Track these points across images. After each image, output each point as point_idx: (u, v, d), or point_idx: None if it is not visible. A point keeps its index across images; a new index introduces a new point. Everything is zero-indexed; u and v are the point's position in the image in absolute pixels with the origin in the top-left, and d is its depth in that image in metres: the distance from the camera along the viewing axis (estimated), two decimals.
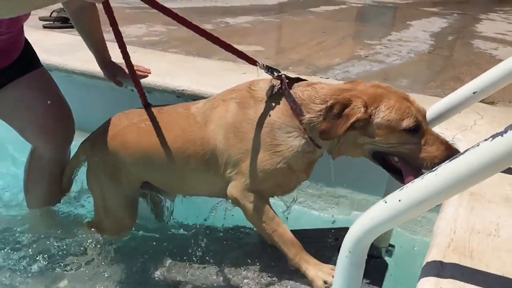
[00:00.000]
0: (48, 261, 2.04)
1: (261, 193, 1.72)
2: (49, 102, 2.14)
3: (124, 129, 1.92)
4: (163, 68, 2.98)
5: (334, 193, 2.66)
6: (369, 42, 4.96)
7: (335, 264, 1.22)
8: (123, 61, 2.32)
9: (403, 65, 4.02)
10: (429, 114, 1.67)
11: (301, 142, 1.63)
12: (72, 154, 2.26)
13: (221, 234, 2.14)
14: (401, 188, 1.05)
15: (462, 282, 1.15)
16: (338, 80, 3.19)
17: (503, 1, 10.03)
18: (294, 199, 2.01)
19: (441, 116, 1.70)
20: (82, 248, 2.07)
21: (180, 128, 1.80)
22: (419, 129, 1.48)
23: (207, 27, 4.99)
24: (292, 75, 1.79)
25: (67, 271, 1.99)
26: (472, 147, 0.93)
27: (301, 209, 2.69)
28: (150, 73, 2.40)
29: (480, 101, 2.15)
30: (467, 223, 1.45)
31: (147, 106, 1.95)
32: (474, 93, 1.68)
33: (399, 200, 1.03)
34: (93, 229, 2.09)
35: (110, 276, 1.97)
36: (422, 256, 1.34)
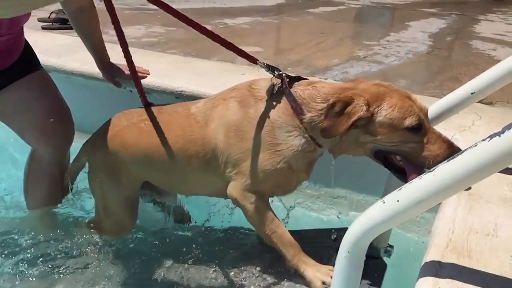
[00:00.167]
0: (48, 262, 2.03)
1: (261, 193, 1.71)
2: (48, 103, 2.14)
3: (123, 129, 1.92)
4: (162, 69, 2.98)
5: (332, 194, 2.67)
6: (368, 43, 4.97)
7: (333, 265, 1.22)
8: (121, 62, 2.33)
9: (401, 65, 4.02)
10: (428, 115, 1.67)
11: (301, 141, 1.62)
12: (71, 156, 2.26)
13: (220, 235, 2.14)
14: (399, 188, 1.05)
15: (461, 282, 1.15)
16: (337, 81, 3.19)
17: (502, 1, 10.04)
18: (291, 206, 2.01)
19: (440, 117, 1.70)
20: (82, 249, 2.07)
21: (181, 128, 1.79)
22: (421, 128, 1.48)
23: (206, 27, 4.98)
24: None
25: (67, 272, 1.99)
26: (469, 147, 0.93)
27: (300, 210, 2.69)
28: (149, 74, 2.40)
29: (479, 102, 2.15)
30: (465, 223, 1.45)
31: (148, 106, 1.95)
32: (472, 93, 1.69)
33: (398, 201, 1.03)
34: (93, 229, 2.09)
35: (109, 277, 1.97)
36: (420, 256, 1.34)
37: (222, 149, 1.71)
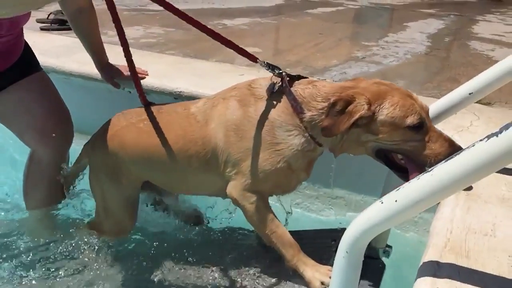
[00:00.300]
0: (47, 263, 2.03)
1: (261, 193, 1.71)
2: (48, 105, 2.14)
3: (122, 129, 1.92)
4: (161, 70, 2.98)
5: (331, 194, 2.67)
6: (366, 43, 4.98)
7: (332, 265, 1.23)
8: (120, 63, 2.33)
9: (400, 66, 4.03)
10: None
11: (301, 141, 1.62)
12: (70, 157, 2.26)
13: (220, 236, 2.14)
14: (398, 188, 1.05)
15: (459, 282, 1.16)
16: (336, 81, 3.19)
17: (500, 2, 10.06)
18: (288, 212, 2.01)
19: (438, 117, 1.71)
20: (81, 251, 2.06)
21: (181, 128, 1.79)
22: (422, 126, 1.48)
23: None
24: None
25: (67, 273, 1.99)
26: (467, 147, 0.93)
27: (298, 210, 2.70)
28: (147, 74, 2.40)
29: (477, 102, 2.16)
30: (463, 223, 1.45)
31: (147, 105, 1.94)
32: (470, 94, 1.69)
33: (396, 201, 1.03)
34: (93, 230, 2.08)
35: (108, 278, 1.97)
36: (419, 256, 1.34)
37: (222, 148, 1.71)
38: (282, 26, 6.09)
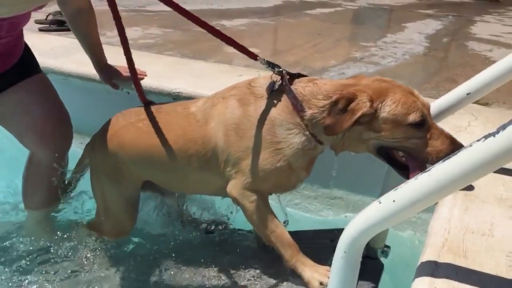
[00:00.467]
0: (46, 265, 2.03)
1: (261, 192, 1.71)
2: (48, 107, 2.14)
3: (121, 129, 1.92)
4: (159, 71, 2.98)
5: (330, 195, 2.67)
6: (365, 44, 4.98)
7: (331, 265, 1.23)
8: (118, 63, 2.33)
9: (398, 67, 4.04)
10: None
11: (301, 139, 1.61)
12: (69, 159, 2.26)
13: (218, 236, 2.14)
14: (395, 188, 1.05)
15: (457, 282, 1.16)
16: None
17: (498, 3, 10.08)
18: (285, 222, 2.00)
19: (436, 117, 1.70)
20: (81, 252, 2.06)
21: (180, 127, 1.78)
22: (424, 124, 1.47)
23: (203, 29, 4.98)
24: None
25: (66, 274, 1.98)
26: (465, 147, 0.94)
27: (297, 211, 2.70)
28: (146, 75, 2.40)
29: (475, 102, 2.17)
30: (461, 223, 1.46)
31: (147, 105, 1.94)
32: (468, 94, 1.69)
33: (393, 201, 1.04)
34: (93, 230, 2.08)
35: (107, 279, 1.97)
36: (417, 256, 1.35)
37: (222, 147, 1.70)
38: (280, 27, 6.10)
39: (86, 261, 2.03)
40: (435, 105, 1.72)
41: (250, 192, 1.69)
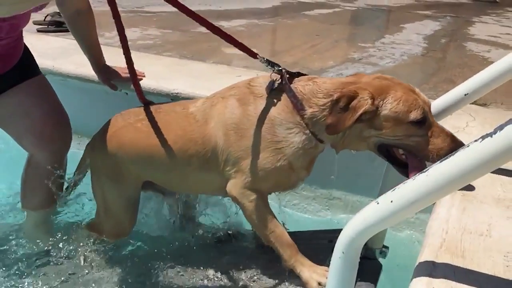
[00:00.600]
0: (44, 266, 2.04)
1: (260, 192, 1.71)
2: (47, 109, 2.13)
3: (120, 129, 1.92)
4: (158, 72, 2.98)
5: (328, 195, 2.67)
6: (363, 45, 4.99)
7: (329, 266, 1.23)
8: (116, 64, 2.33)
9: (396, 67, 4.04)
10: None
11: (302, 138, 1.61)
12: (68, 161, 2.25)
13: (217, 237, 2.14)
14: (393, 189, 1.06)
15: (454, 282, 1.16)
16: None
17: (496, 4, 10.10)
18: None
19: (434, 118, 1.71)
20: (79, 254, 2.06)
21: (180, 127, 1.78)
22: (425, 121, 1.47)
23: (202, 30, 4.98)
24: None
25: (64, 276, 1.98)
26: (462, 148, 0.94)
27: (295, 211, 2.70)
28: (144, 76, 2.40)
29: (472, 103, 2.17)
30: (459, 223, 1.46)
31: (146, 105, 1.94)
32: (465, 95, 1.70)
33: (391, 201, 1.04)
34: (92, 231, 2.08)
35: (106, 280, 1.97)
36: (415, 256, 1.35)
37: (222, 147, 1.70)
38: (278, 28, 6.10)
39: (85, 262, 2.03)
40: (433, 105, 1.72)
41: (250, 191, 1.69)
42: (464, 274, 1.21)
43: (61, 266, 2.03)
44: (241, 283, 1.83)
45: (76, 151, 2.26)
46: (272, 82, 1.67)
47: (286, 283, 1.76)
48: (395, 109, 1.47)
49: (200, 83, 2.81)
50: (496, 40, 5.60)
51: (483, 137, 0.90)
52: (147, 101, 1.96)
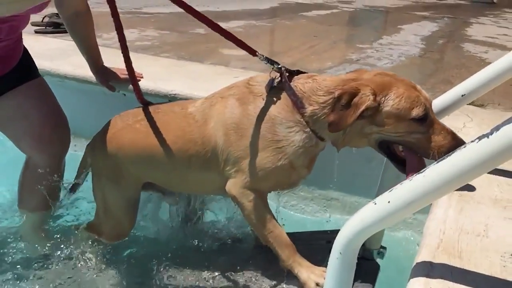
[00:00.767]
0: (42, 268, 2.03)
1: (260, 191, 1.70)
2: (46, 111, 2.13)
3: (119, 131, 1.92)
4: (156, 73, 2.99)
5: (326, 196, 2.68)
6: (361, 46, 5.00)
7: (327, 266, 1.23)
8: (114, 65, 2.33)
9: (394, 68, 4.05)
10: None
11: (302, 137, 1.60)
12: (66, 162, 2.25)
13: (216, 238, 2.14)
14: (391, 189, 1.06)
15: (451, 282, 1.16)
16: None
17: (494, 5, 10.12)
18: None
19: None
20: (78, 255, 2.05)
21: (179, 128, 1.78)
22: (427, 118, 1.47)
23: (199, 31, 5.00)
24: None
25: (61, 278, 1.98)
26: (459, 148, 0.94)
27: (293, 212, 2.70)
28: (142, 77, 2.40)
29: (470, 104, 2.18)
30: (456, 224, 1.46)
31: (145, 105, 1.94)
32: (462, 95, 1.70)
33: (388, 202, 1.04)
34: (91, 232, 2.07)
35: (104, 281, 1.97)
36: (413, 257, 1.35)
37: (222, 147, 1.69)
38: (277, 29, 6.11)
39: (83, 264, 2.03)
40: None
41: (250, 191, 1.68)
42: (461, 274, 1.21)
43: (59, 268, 2.02)
44: (239, 284, 1.83)
45: (73, 153, 2.26)
46: (272, 80, 1.66)
47: (285, 284, 1.76)
48: (397, 106, 1.46)
49: (198, 84, 2.81)
50: (493, 41, 5.61)
51: (479, 138, 0.90)
52: (145, 101, 1.96)
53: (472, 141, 0.92)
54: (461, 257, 1.29)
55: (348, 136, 1.57)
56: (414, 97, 1.46)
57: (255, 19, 6.36)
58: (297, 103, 1.59)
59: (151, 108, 1.90)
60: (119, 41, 1.83)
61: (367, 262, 1.82)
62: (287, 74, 1.65)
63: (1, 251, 2.13)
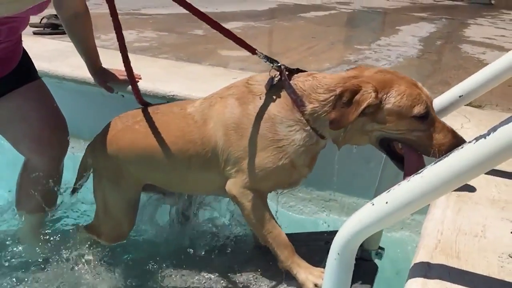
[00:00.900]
0: (40, 270, 2.03)
1: (260, 191, 1.70)
2: (45, 114, 2.13)
3: (119, 132, 1.91)
4: (154, 74, 2.99)
5: (324, 197, 2.68)
6: (359, 47, 5.01)
7: (325, 267, 1.23)
8: (112, 67, 2.33)
9: (392, 69, 4.05)
10: None
11: (303, 135, 1.59)
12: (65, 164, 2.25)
13: (214, 239, 2.14)
14: (388, 190, 1.06)
15: (449, 283, 1.17)
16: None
17: (491, 6, 10.15)
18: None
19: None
20: (76, 256, 2.04)
21: (178, 128, 1.77)
22: (428, 116, 1.47)
23: (198, 32, 5.01)
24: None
25: (60, 279, 1.98)
26: (456, 149, 0.95)
27: (292, 213, 2.71)
28: (140, 78, 2.40)
29: (468, 105, 2.18)
30: (454, 224, 1.47)
31: (145, 105, 1.93)
32: (460, 96, 1.71)
33: (386, 202, 1.04)
34: (90, 233, 2.07)
35: (103, 282, 1.97)
36: (411, 257, 1.36)
37: (223, 147, 1.69)
38: (275, 30, 6.12)
39: (81, 266, 2.02)
40: None
41: (250, 191, 1.68)
42: (459, 274, 1.21)
43: (56, 270, 2.02)
44: (238, 285, 1.83)
45: (71, 154, 2.26)
46: (271, 79, 1.66)
47: (283, 285, 1.76)
48: (398, 103, 1.46)
49: (196, 85, 2.81)
50: (491, 42, 5.62)
51: (476, 139, 0.91)
52: (144, 101, 1.96)
53: (469, 142, 0.92)
54: (459, 257, 1.29)
55: (349, 134, 1.56)
56: (415, 94, 1.46)
57: (254, 20, 6.37)
58: (297, 101, 1.58)
59: (150, 109, 1.90)
60: (118, 40, 1.83)
61: (365, 263, 1.82)
62: (286, 72, 1.65)
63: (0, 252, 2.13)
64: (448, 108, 1.72)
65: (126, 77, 1.99)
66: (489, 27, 7.20)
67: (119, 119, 1.96)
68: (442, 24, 7.23)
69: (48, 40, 4.05)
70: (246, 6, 7.78)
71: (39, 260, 2.09)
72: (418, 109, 1.45)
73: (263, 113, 1.63)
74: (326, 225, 2.47)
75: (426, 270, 1.22)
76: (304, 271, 1.66)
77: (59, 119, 2.20)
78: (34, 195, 2.15)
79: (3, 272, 2.03)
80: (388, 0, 10.47)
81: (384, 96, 1.46)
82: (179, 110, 1.83)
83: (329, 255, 1.19)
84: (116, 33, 1.80)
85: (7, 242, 2.18)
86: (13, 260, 2.10)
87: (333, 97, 1.52)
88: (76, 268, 2.02)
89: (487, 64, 1.73)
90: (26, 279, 1.99)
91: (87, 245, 2.08)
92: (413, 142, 1.49)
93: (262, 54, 1.71)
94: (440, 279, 1.18)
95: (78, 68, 2.70)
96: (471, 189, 1.69)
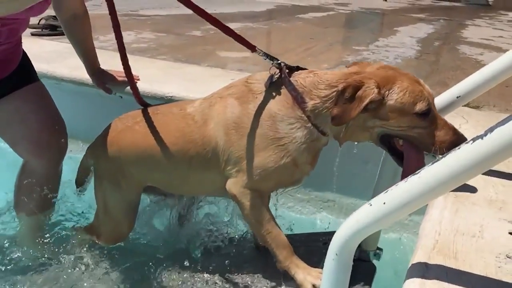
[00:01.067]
0: (38, 272, 2.03)
1: (261, 191, 1.69)
2: (44, 116, 2.13)
3: (119, 134, 1.91)
4: (152, 75, 2.99)
5: (322, 198, 2.68)
6: (357, 48, 5.02)
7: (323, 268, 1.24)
8: (111, 68, 2.33)
9: None
10: None
11: (304, 133, 1.59)
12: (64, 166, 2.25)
13: (214, 240, 2.15)
14: (386, 191, 1.07)
15: (447, 283, 1.17)
16: None
17: (489, 7, 10.17)
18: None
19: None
20: (75, 258, 2.05)
21: (178, 129, 1.77)
22: (429, 113, 1.47)
23: (196, 33, 5.01)
24: None
25: (59, 280, 1.98)
26: (453, 149, 0.95)
27: (290, 214, 2.71)
28: (139, 79, 2.40)
29: (465, 105, 2.19)
30: (451, 225, 1.47)
31: (144, 106, 1.93)
32: (458, 97, 1.71)
33: (384, 203, 1.05)
34: (89, 235, 2.07)
35: (102, 283, 1.97)
36: (408, 258, 1.36)
37: (223, 147, 1.68)
38: (273, 31, 6.13)
39: (80, 268, 2.02)
40: None
41: (250, 191, 1.67)
42: (456, 275, 1.21)
43: (55, 271, 2.02)
44: (237, 285, 1.83)
45: (69, 155, 2.26)
46: (271, 76, 1.66)
47: (282, 286, 1.76)
48: (401, 100, 1.45)
49: (194, 87, 2.81)
50: (489, 43, 5.64)
51: (473, 139, 0.91)
52: (144, 102, 1.96)
53: (466, 143, 0.92)
54: (456, 258, 1.29)
55: (350, 130, 1.56)
56: (418, 91, 1.46)
57: (252, 21, 6.38)
58: (298, 98, 1.58)
59: (150, 110, 1.90)
60: (116, 39, 1.82)
61: (363, 264, 1.83)
62: (286, 70, 1.65)
63: None
64: (446, 108, 1.73)
65: (124, 78, 1.99)
66: (487, 28, 7.21)
67: (120, 120, 1.96)
68: (440, 25, 7.24)
69: (46, 41, 4.05)
70: (244, 7, 7.79)
71: (37, 262, 2.09)
72: (420, 106, 1.45)
73: (264, 112, 1.62)
74: (325, 225, 2.48)
75: (424, 270, 1.22)
76: (302, 272, 1.66)
77: (58, 122, 2.19)
78: (33, 197, 2.15)
79: (1, 275, 2.02)
80: (386, 1, 10.49)
81: (387, 92, 1.46)
82: (179, 111, 1.82)
83: (327, 256, 1.19)
84: (114, 32, 1.80)
85: (6, 245, 2.18)
86: (11, 262, 2.09)
87: (335, 93, 1.52)
88: (75, 270, 2.02)
89: (484, 65, 1.73)
90: (24, 282, 1.99)
91: (85, 247, 2.08)
92: (415, 139, 1.49)
93: (262, 51, 1.71)
94: (437, 279, 1.18)
95: (76, 69, 2.70)
96: (472, 189, 1.69)
